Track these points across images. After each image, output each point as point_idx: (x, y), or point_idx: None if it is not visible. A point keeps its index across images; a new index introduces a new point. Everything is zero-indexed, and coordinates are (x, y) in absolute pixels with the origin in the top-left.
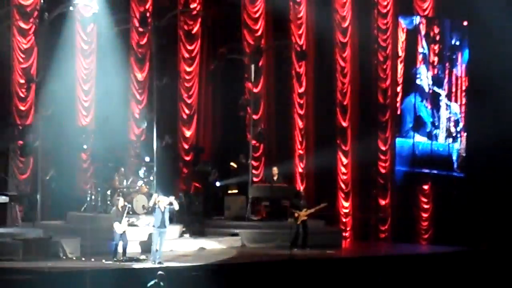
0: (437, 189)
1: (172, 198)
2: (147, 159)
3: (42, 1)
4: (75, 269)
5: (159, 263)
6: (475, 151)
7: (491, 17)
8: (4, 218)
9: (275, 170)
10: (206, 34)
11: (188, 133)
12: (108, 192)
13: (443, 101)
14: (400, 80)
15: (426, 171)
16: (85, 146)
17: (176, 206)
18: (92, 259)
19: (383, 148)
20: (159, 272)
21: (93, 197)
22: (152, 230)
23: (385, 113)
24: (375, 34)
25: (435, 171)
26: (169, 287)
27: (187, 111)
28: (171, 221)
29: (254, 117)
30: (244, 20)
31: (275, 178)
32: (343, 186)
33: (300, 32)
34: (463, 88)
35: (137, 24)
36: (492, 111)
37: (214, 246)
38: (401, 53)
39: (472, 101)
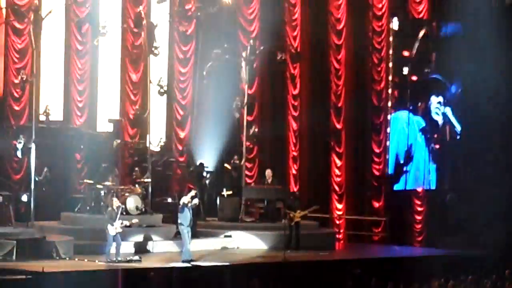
0: (430, 191)
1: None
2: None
3: (36, 1)
4: (68, 270)
5: (192, 261)
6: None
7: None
8: None
9: (269, 172)
10: (201, 35)
11: (182, 134)
12: (102, 193)
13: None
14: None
15: None
16: (82, 146)
17: (196, 201)
18: (86, 260)
19: (377, 151)
20: (151, 273)
21: (87, 197)
22: (182, 229)
23: (379, 116)
24: (370, 36)
25: None
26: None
27: (181, 112)
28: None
29: (248, 118)
30: (239, 21)
31: (269, 180)
32: (336, 188)
33: (295, 34)
34: None
35: (132, 25)
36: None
37: (207, 248)
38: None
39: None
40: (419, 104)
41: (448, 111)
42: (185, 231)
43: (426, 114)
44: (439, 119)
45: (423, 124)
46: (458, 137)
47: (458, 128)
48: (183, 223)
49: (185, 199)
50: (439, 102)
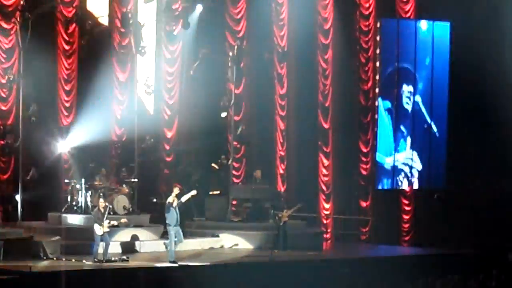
0: (418, 191)
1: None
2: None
3: (23, 1)
4: (55, 270)
5: (173, 262)
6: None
7: (473, 18)
8: None
9: (258, 172)
10: (188, 35)
11: (169, 134)
12: (89, 193)
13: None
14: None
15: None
16: (62, 149)
17: (183, 199)
18: (73, 260)
19: (365, 150)
20: (139, 273)
21: (74, 197)
22: (169, 230)
23: (367, 115)
24: (357, 35)
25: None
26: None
27: (168, 112)
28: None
29: (236, 118)
30: (226, 21)
31: (258, 180)
32: (324, 187)
33: (282, 33)
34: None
35: (118, 25)
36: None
37: (195, 247)
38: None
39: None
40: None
41: (419, 100)
42: (172, 232)
43: (396, 99)
44: (409, 108)
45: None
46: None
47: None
48: (169, 223)
49: (170, 199)
50: (410, 92)
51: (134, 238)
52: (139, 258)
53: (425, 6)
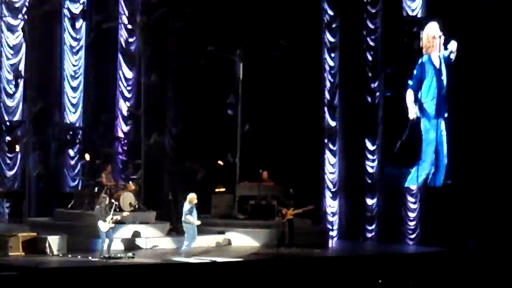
0: (424, 189)
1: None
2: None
3: None
4: (62, 266)
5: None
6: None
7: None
8: None
9: (265, 174)
10: (195, 32)
11: (175, 131)
12: (95, 189)
13: None
14: None
15: None
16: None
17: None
18: (79, 256)
19: (371, 148)
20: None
21: (80, 194)
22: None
23: (374, 113)
24: (364, 34)
25: None
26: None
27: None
28: None
29: (242, 115)
30: (233, 18)
31: (264, 177)
32: (330, 185)
33: (290, 31)
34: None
35: (126, 22)
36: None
37: (201, 244)
38: None
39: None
40: None
41: None
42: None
43: None
44: None
45: None
46: None
47: None
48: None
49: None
50: None
51: (140, 235)
52: (145, 255)
53: (432, 5)
